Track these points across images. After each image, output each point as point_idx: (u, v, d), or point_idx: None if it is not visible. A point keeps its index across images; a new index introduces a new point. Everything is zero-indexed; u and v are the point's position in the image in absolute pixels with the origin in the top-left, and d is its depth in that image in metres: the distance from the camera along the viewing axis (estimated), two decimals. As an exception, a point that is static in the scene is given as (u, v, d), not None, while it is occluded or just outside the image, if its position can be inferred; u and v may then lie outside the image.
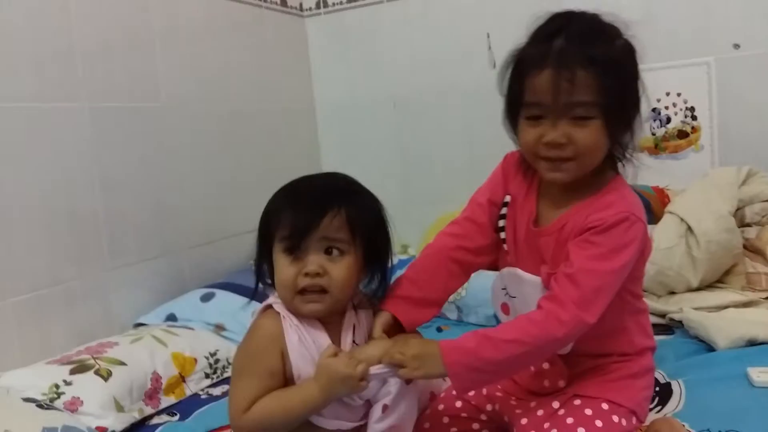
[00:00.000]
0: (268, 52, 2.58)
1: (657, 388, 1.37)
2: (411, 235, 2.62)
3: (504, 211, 1.12)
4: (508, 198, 1.12)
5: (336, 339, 1.01)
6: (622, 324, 1.09)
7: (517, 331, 0.97)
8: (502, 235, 1.12)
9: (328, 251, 0.97)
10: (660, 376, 1.43)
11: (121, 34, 1.94)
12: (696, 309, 1.68)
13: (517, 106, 1.02)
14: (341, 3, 2.72)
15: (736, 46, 2.20)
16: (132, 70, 1.97)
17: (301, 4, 2.75)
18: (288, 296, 0.98)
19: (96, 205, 1.83)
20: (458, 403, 1.18)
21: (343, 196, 1.00)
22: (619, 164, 1.06)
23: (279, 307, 1.01)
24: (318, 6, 2.76)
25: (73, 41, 1.79)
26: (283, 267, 0.97)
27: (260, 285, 1.05)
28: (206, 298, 1.91)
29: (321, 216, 0.96)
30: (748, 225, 1.95)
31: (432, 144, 2.63)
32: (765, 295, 1.77)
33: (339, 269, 0.97)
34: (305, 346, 0.98)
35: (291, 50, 2.73)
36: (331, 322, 1.02)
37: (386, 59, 2.67)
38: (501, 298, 1.17)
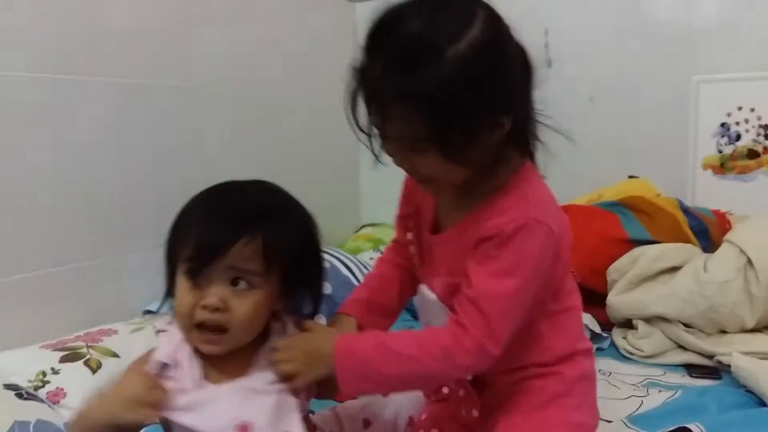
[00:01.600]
0: (314, 36, 2.47)
1: (691, 446, 1.21)
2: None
3: (410, 223, 1.04)
4: (413, 209, 1.04)
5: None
6: (533, 328, 0.95)
7: (419, 349, 0.87)
8: (411, 249, 1.04)
9: (234, 282, 0.84)
10: (697, 428, 1.27)
11: (155, 10, 1.87)
12: (748, 353, 1.49)
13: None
14: (394, -11, 2.58)
15: (824, 60, 1.97)
16: (164, 46, 1.89)
17: (351, -11, 2.63)
18: (184, 328, 0.87)
19: (117, 184, 1.77)
20: None
21: (262, 218, 0.85)
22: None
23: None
24: (369, -9, 2.63)
25: (103, 14, 1.73)
26: (182, 293, 0.85)
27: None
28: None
29: (232, 241, 0.82)
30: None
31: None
32: (830, 344, 1.56)
33: (244, 306, 0.84)
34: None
35: (338, 37, 2.61)
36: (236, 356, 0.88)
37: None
38: (421, 317, 1.09)
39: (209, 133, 2.04)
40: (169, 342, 0.91)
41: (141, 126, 1.83)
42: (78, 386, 1.32)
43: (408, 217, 1.05)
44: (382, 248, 2.41)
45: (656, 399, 1.41)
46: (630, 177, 2.14)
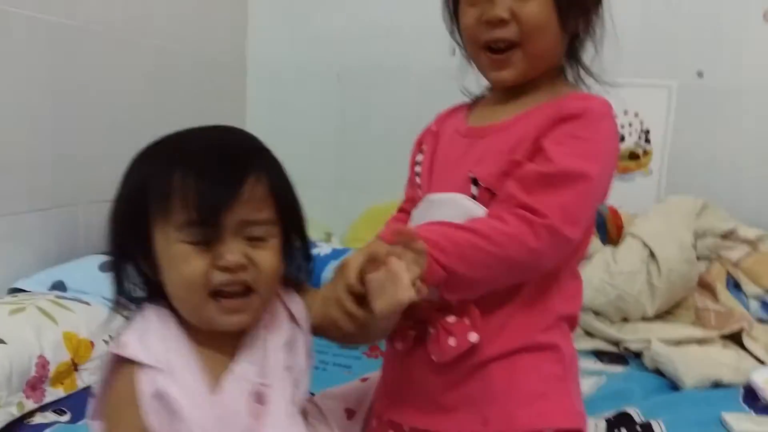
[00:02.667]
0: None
1: (639, 428, 1.25)
2: (337, 222, 2.38)
3: (419, 157, 0.93)
4: (434, 129, 0.95)
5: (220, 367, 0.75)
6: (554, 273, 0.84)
7: (490, 230, 0.75)
8: (417, 168, 0.92)
9: (248, 236, 0.72)
10: (635, 413, 1.31)
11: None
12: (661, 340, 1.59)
13: None
14: (295, -49, 2.42)
15: (700, 74, 2.17)
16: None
17: (246, -54, 2.43)
18: (194, 302, 0.72)
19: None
20: None
21: (259, 158, 0.75)
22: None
23: (138, 352, 0.72)
24: (267, -50, 2.45)
25: None
26: (187, 260, 0.70)
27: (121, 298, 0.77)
28: (107, 267, 1.57)
29: (239, 188, 0.70)
30: (698, 259, 1.90)
31: (374, 126, 2.40)
32: (715, 333, 1.71)
33: (267, 258, 0.72)
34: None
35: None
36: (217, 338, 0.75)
37: (336, 23, 2.39)
38: None
39: (92, 85, 1.75)
40: (141, 338, 0.73)
41: (15, 65, 1.51)
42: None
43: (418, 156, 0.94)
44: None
45: (586, 384, 1.44)
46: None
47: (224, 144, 0.75)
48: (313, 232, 2.49)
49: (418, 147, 0.96)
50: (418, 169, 0.93)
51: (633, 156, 2.23)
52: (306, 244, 0.82)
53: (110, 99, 1.82)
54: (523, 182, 0.78)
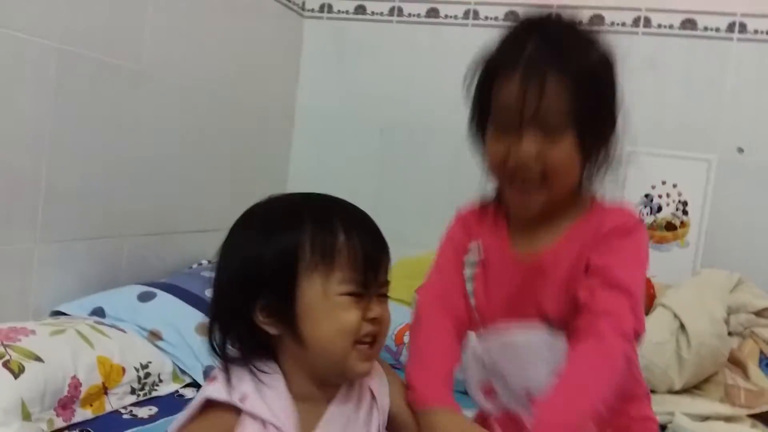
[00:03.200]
0: (261, 43, 2.36)
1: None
2: (370, 270, 2.42)
3: (473, 258, 0.96)
4: (474, 248, 0.96)
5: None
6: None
7: (590, 369, 0.81)
8: (472, 301, 0.94)
9: (380, 294, 0.80)
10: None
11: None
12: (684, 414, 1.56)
13: (484, 116, 0.92)
14: (347, 12, 2.54)
15: (741, 150, 2.17)
16: (117, 21, 1.71)
17: (303, 3, 2.56)
18: (342, 348, 0.76)
19: (40, 164, 1.54)
20: None
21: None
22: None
23: (257, 406, 0.76)
24: (322, 9, 2.57)
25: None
26: (348, 310, 0.76)
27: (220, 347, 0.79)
28: (145, 297, 1.64)
29: (387, 252, 0.81)
30: (730, 334, 1.87)
31: (411, 180, 2.46)
32: (745, 411, 1.67)
33: (388, 313, 0.80)
34: None
35: (284, 47, 2.52)
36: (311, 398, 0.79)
37: (381, 80, 2.50)
38: (478, 375, 0.96)
39: (148, 125, 1.85)
40: (260, 393, 0.77)
41: (78, 103, 1.61)
42: (-2, 391, 1.11)
43: (461, 249, 0.97)
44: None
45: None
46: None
47: (362, 212, 0.84)
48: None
49: (458, 245, 0.98)
50: (468, 273, 0.96)
51: (670, 227, 2.23)
52: None
53: (163, 138, 1.91)
54: (595, 294, 0.84)
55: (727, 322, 1.85)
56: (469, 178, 2.55)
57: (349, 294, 0.76)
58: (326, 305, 0.75)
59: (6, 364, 1.16)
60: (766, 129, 2.14)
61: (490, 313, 0.93)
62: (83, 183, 1.66)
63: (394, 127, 2.48)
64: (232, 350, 0.79)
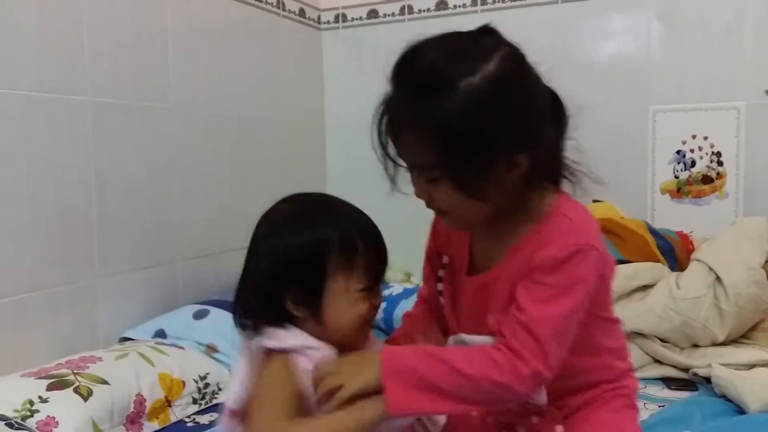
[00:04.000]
0: (283, 62, 2.48)
1: (688, 452, 1.26)
2: (415, 262, 2.50)
3: (441, 273, 1.01)
4: (446, 259, 1.01)
5: None
6: (600, 347, 0.97)
7: (471, 366, 0.84)
8: (441, 300, 1.01)
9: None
10: (689, 438, 1.32)
11: (133, 31, 1.84)
12: (724, 365, 1.57)
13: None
14: (360, 18, 2.63)
15: (768, 92, 2.13)
16: (141, 68, 1.86)
17: (319, 17, 2.67)
18: (355, 329, 0.94)
19: (90, 206, 1.71)
20: None
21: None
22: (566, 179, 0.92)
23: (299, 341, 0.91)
24: (336, 20, 2.67)
25: (82, 33, 1.69)
26: (363, 302, 0.93)
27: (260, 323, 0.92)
28: (199, 315, 1.78)
29: (386, 253, 0.96)
30: (773, 279, 1.85)
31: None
32: (793, 355, 1.66)
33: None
34: None
35: (305, 62, 2.63)
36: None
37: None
38: None
39: (184, 155, 2.00)
40: (298, 337, 0.92)
41: (116, 147, 1.78)
42: (70, 415, 1.27)
43: (436, 256, 1.04)
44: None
45: (644, 412, 1.46)
46: (594, 201, 2.23)
47: (370, 220, 0.97)
48: (393, 274, 2.62)
49: (432, 258, 1.05)
50: (441, 300, 1.01)
51: (706, 180, 2.21)
52: None
53: (200, 168, 2.06)
54: (508, 328, 0.86)
55: (765, 268, 1.84)
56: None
57: (364, 289, 0.92)
58: (347, 298, 0.92)
59: (76, 390, 1.32)
60: (792, 67, 2.10)
61: (456, 322, 0.99)
62: (132, 217, 1.82)
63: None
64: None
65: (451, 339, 1.00)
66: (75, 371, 1.38)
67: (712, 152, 2.20)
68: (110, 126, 1.76)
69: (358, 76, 2.66)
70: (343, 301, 0.91)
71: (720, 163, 2.20)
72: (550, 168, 0.90)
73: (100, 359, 1.46)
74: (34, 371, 1.39)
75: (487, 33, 0.86)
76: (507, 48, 0.85)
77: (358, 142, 2.67)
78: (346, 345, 0.93)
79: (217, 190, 2.13)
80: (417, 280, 2.45)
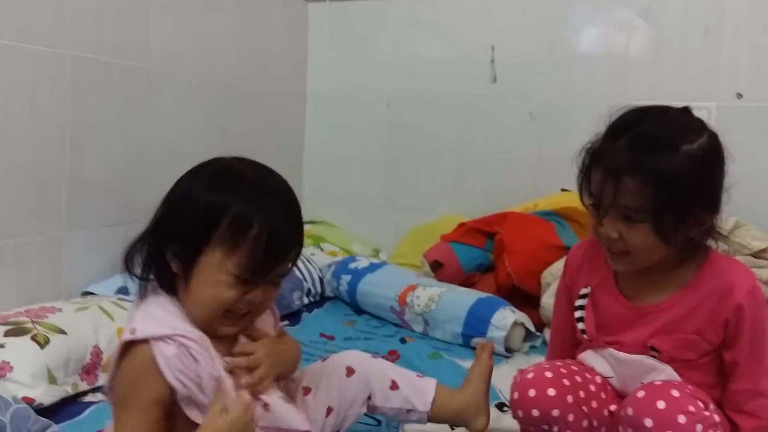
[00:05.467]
0: (268, 31, 2.49)
1: None
2: (385, 239, 2.55)
3: (582, 302, 1.13)
4: (586, 290, 1.13)
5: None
6: None
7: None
8: (581, 325, 1.13)
9: (272, 282, 0.95)
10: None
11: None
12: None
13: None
14: (347, -7, 2.64)
15: (739, 95, 2.18)
16: (124, 26, 1.87)
17: (306, -12, 2.67)
18: (212, 312, 0.92)
19: (63, 160, 1.72)
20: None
21: (301, 236, 0.97)
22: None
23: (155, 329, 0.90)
24: (323, -8, 2.68)
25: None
26: (229, 288, 0.90)
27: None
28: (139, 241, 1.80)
29: (290, 261, 0.95)
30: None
31: (420, 149, 2.56)
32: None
33: (271, 301, 0.99)
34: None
35: (290, 33, 2.64)
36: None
37: (386, 57, 2.61)
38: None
39: (161, 118, 2.01)
40: (158, 319, 0.92)
41: (94, 103, 1.79)
42: (25, 361, 1.29)
43: (568, 290, 1.17)
44: (322, 245, 2.46)
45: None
46: (562, 190, 2.27)
47: (294, 207, 0.95)
48: (361, 249, 2.65)
49: (568, 290, 1.18)
50: (581, 326, 1.13)
51: (673, 177, 2.25)
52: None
53: (177, 130, 2.07)
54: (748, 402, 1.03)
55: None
56: (474, 147, 2.66)
57: (237, 276, 0.89)
58: (215, 276, 0.89)
59: (33, 337, 1.34)
60: (765, 72, 2.14)
61: (599, 341, 1.11)
62: (105, 176, 1.84)
63: (401, 100, 2.58)
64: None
65: (597, 352, 1.12)
66: (34, 320, 1.40)
67: (681, 150, 2.25)
68: (89, 82, 1.77)
69: (342, 50, 2.68)
70: (210, 278, 0.89)
71: (688, 161, 2.24)
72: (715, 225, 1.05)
73: (59, 310, 1.48)
74: (-8, 317, 1.41)
75: (689, 111, 1.04)
76: (709, 128, 1.03)
77: (339, 116, 2.74)
78: (208, 329, 0.92)
79: (192, 154, 2.11)
80: (384, 256, 2.49)
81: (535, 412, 1.05)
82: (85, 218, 1.80)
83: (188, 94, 2.12)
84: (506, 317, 1.76)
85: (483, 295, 1.89)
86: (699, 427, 0.95)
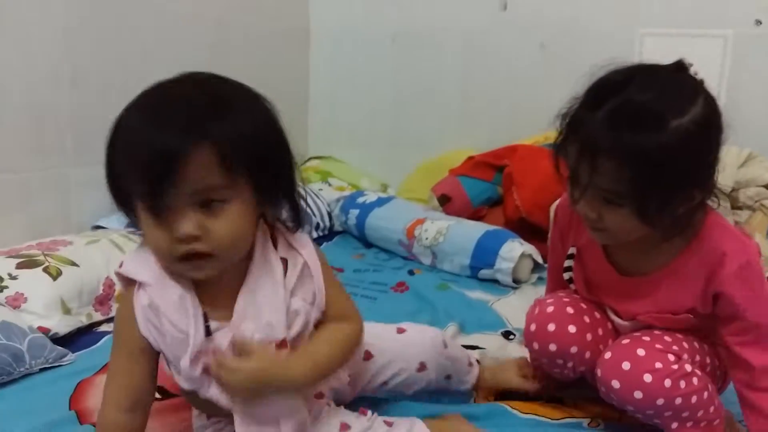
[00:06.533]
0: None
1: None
2: (393, 175, 2.53)
3: (569, 263, 1.10)
4: (572, 250, 1.09)
5: (228, 300, 0.81)
6: None
7: None
8: (572, 286, 1.11)
9: (203, 204, 0.74)
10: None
11: None
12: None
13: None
14: None
15: (758, 22, 2.11)
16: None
17: None
18: (165, 263, 0.78)
19: (62, 97, 1.71)
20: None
21: (209, 118, 0.73)
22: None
23: (134, 271, 0.81)
24: None
25: None
26: (150, 230, 0.75)
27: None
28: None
29: (183, 158, 0.70)
30: (740, 208, 1.90)
31: (426, 85, 2.50)
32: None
33: (224, 225, 0.74)
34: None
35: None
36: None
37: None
38: None
39: (160, 52, 1.97)
40: (141, 262, 0.82)
41: (90, 39, 1.76)
42: (39, 292, 1.31)
43: (560, 245, 1.12)
44: (330, 180, 2.45)
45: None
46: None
47: (179, 107, 0.74)
48: (369, 184, 2.64)
49: (563, 237, 1.11)
50: (572, 286, 1.11)
51: (686, 108, 2.21)
52: (290, 195, 0.83)
53: (176, 66, 2.03)
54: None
55: (735, 197, 1.88)
56: (481, 77, 2.59)
57: (147, 208, 0.73)
58: (141, 220, 0.76)
59: (46, 270, 1.36)
60: (784, -3, 2.07)
61: (590, 297, 1.08)
62: (104, 112, 1.80)
63: (405, 33, 2.51)
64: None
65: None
66: (45, 252, 1.42)
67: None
68: (84, 17, 1.74)
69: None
70: (142, 223, 0.76)
71: (701, 92, 2.20)
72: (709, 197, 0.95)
73: (70, 243, 1.50)
74: (4, 251, 1.42)
75: (683, 69, 0.92)
76: (705, 89, 0.91)
77: (344, 52, 2.68)
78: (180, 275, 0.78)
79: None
80: (393, 191, 2.48)
81: (553, 347, 1.03)
82: (90, 154, 1.79)
83: (183, 28, 2.07)
84: (514, 249, 1.76)
85: (491, 227, 1.89)
86: (667, 381, 0.92)
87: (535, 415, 1.10)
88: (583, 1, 2.27)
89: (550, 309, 1.05)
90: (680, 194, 0.89)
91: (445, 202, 2.11)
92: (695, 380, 0.95)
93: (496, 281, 1.76)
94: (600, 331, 1.06)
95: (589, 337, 1.04)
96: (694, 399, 0.94)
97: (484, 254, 1.78)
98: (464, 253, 1.81)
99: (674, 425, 0.97)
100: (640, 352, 0.94)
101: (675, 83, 0.89)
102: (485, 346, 1.36)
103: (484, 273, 1.77)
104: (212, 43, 2.19)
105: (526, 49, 2.34)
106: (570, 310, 1.05)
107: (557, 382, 1.13)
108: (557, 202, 1.89)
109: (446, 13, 2.42)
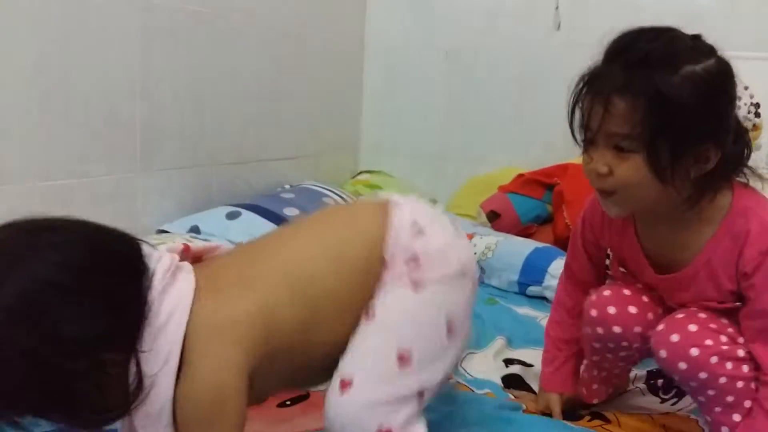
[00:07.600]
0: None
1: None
2: (442, 190, 2.57)
3: (607, 262, 1.12)
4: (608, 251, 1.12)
5: None
6: None
7: None
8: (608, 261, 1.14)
9: None
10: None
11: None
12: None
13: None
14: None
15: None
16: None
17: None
18: None
19: (135, 105, 1.80)
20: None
21: None
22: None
23: None
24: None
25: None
26: None
27: None
28: (232, 216, 1.89)
29: None
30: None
31: (478, 101, 2.55)
32: None
33: None
34: None
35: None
36: None
37: (445, 6, 2.58)
38: None
39: (227, 64, 2.07)
40: None
41: (163, 49, 1.85)
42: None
43: (594, 248, 1.12)
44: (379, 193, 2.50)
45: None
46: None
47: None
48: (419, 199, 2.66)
49: (593, 241, 1.11)
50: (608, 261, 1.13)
51: (741, 131, 2.20)
52: None
53: (241, 77, 2.13)
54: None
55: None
56: (533, 95, 2.62)
57: None
58: None
59: (115, 269, 1.44)
60: None
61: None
62: (174, 120, 1.91)
63: (459, 49, 2.56)
64: None
65: None
66: (115, 253, 1.50)
67: (752, 102, 2.18)
68: (158, 26, 1.83)
69: (400, 4, 2.67)
70: None
71: (758, 114, 2.17)
72: (731, 169, 0.94)
73: (137, 246, 1.58)
74: (77, 250, 1.51)
75: (699, 38, 0.93)
76: (719, 54, 0.92)
77: (398, 67, 2.74)
78: None
79: (257, 101, 2.20)
80: (441, 206, 2.51)
81: (617, 329, 1.03)
82: (158, 161, 1.89)
83: (249, 40, 2.16)
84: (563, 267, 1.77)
85: (540, 244, 1.91)
86: (714, 359, 0.92)
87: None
88: (638, 19, 2.27)
89: (608, 293, 1.05)
90: (692, 147, 0.88)
91: (493, 218, 2.14)
92: (745, 367, 0.94)
93: (544, 298, 1.77)
94: (660, 310, 1.05)
95: (650, 316, 1.03)
96: (740, 384, 0.93)
97: (533, 271, 1.80)
98: (513, 269, 1.83)
99: (717, 409, 0.96)
100: (692, 327, 0.94)
101: (691, 40, 0.91)
102: (531, 361, 1.38)
103: (533, 290, 1.79)
104: (276, 53, 2.27)
105: (581, 68, 2.35)
106: (627, 291, 1.05)
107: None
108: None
109: (500, 31, 2.47)
